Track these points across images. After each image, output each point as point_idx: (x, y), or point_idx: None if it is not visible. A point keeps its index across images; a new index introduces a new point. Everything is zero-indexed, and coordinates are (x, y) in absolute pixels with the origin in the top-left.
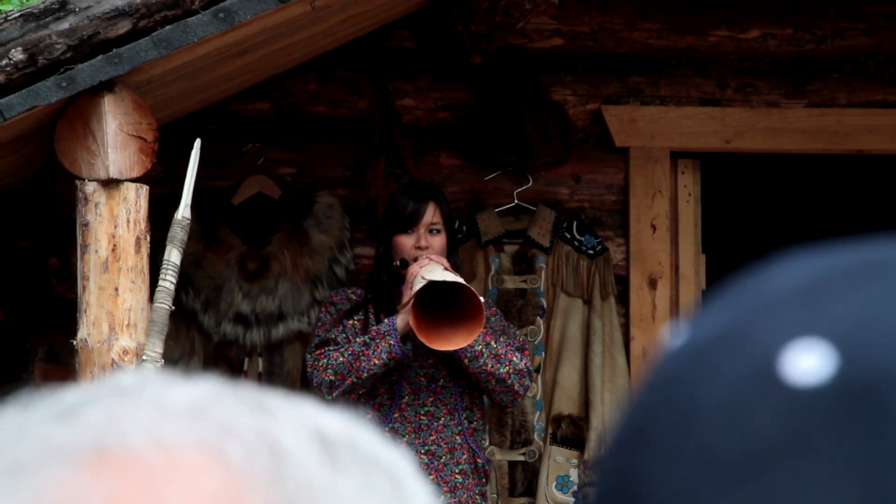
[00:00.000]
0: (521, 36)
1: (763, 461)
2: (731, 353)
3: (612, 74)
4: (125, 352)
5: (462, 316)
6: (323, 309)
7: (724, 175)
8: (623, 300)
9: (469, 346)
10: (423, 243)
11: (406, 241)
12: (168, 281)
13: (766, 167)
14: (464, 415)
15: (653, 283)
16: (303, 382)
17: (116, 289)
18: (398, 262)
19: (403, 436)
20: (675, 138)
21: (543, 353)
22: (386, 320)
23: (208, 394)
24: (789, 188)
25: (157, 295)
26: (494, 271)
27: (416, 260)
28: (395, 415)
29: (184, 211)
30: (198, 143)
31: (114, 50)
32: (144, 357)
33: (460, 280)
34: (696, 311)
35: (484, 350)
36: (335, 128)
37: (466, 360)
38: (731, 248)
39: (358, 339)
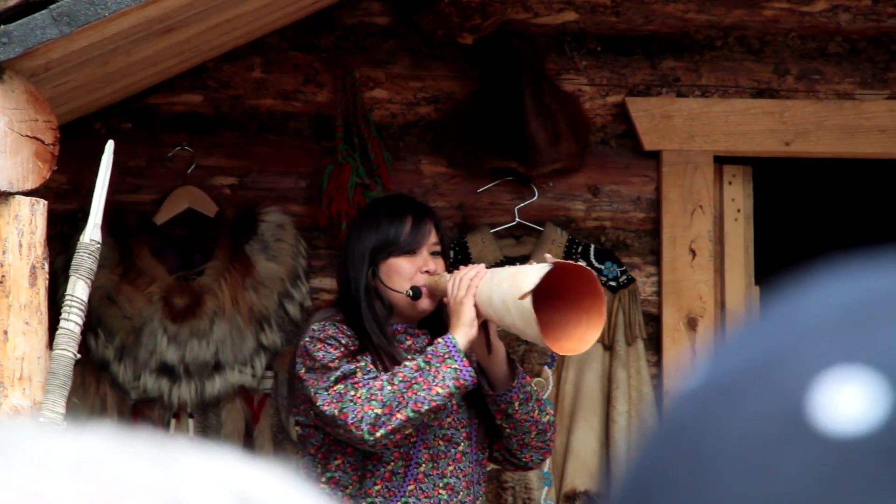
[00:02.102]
0: (523, 9)
1: None
2: (754, 391)
3: (641, 58)
4: (17, 411)
5: (563, 310)
6: (320, 345)
7: (782, 185)
8: (654, 345)
9: (521, 384)
10: (430, 267)
11: (408, 266)
12: (72, 322)
13: (836, 175)
14: (480, 489)
15: (692, 324)
16: (246, 450)
17: (6, 332)
18: (409, 291)
19: None
20: (720, 139)
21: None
22: (440, 340)
23: (101, 447)
24: (865, 201)
25: (59, 339)
26: None
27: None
28: (410, 487)
29: (92, 232)
30: (110, 145)
31: (1, 27)
32: (42, 418)
33: (556, 261)
34: (711, 348)
35: (532, 391)
36: (286, 126)
37: (517, 404)
38: (791, 279)
39: (409, 364)
